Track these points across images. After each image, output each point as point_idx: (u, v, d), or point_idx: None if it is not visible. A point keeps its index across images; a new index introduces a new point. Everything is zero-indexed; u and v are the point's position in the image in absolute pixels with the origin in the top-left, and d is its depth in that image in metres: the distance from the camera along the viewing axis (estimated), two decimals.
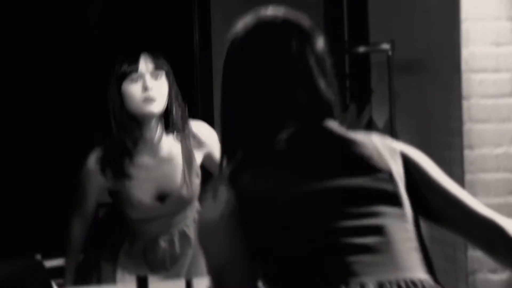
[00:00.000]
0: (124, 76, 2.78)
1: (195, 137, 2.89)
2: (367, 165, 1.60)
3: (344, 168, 1.60)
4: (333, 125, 1.64)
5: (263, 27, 1.68)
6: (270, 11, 1.70)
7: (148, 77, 2.77)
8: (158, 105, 2.79)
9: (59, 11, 4.88)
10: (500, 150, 3.49)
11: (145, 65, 2.79)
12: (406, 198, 1.62)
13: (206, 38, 4.83)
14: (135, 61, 2.78)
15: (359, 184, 1.58)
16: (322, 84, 1.65)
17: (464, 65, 3.44)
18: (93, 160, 2.83)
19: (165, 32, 4.89)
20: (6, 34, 4.79)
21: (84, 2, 4.98)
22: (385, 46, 3.96)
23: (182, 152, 2.87)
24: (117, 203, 2.89)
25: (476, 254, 3.41)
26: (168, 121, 2.85)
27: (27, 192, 4.78)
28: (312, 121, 1.64)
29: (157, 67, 2.80)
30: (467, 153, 3.46)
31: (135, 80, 2.77)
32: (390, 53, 3.92)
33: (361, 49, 4.44)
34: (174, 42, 4.84)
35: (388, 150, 1.65)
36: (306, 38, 1.67)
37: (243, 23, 1.69)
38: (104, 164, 2.81)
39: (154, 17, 4.95)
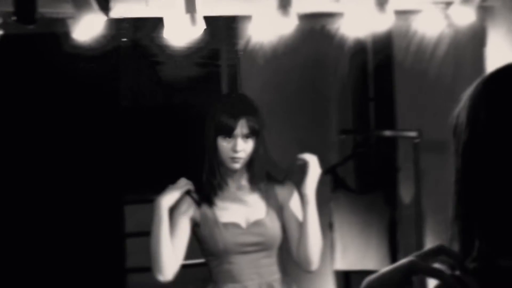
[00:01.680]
0: (220, 133, 3.06)
1: (272, 192, 3.17)
2: None
3: None
4: None
5: None
6: None
7: (239, 141, 3.06)
8: (242, 163, 3.09)
9: None
10: None
11: (240, 129, 3.05)
12: None
13: None
14: (233, 126, 3.05)
15: None
16: None
17: None
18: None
19: None
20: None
21: None
22: (412, 133, 3.98)
23: (264, 200, 3.16)
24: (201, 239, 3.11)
25: None
26: (251, 172, 3.14)
27: None
28: None
29: (250, 132, 3.06)
30: None
31: (228, 139, 3.06)
32: (417, 140, 3.93)
33: (388, 133, 4.42)
34: None
35: None
36: None
37: None
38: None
39: None
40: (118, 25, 3.25)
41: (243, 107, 3.11)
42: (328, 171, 4.57)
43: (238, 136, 3.06)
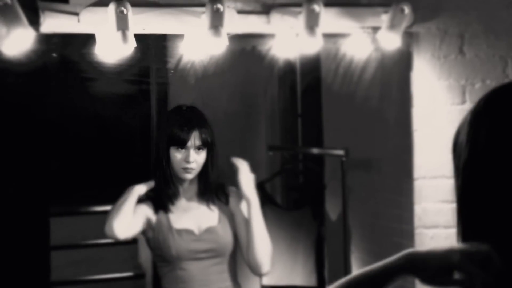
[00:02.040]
0: (173, 143, 3.15)
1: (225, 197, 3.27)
2: None
3: None
4: None
5: None
6: None
7: (192, 152, 3.15)
8: (194, 174, 3.18)
9: None
10: None
11: (193, 140, 3.16)
12: None
13: None
14: (186, 137, 3.14)
15: None
16: None
17: (417, 221, 3.65)
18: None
19: None
20: None
21: None
22: (339, 152, 4.07)
23: (216, 207, 3.25)
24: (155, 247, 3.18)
25: None
26: (202, 182, 3.22)
27: None
28: None
29: (202, 144, 3.16)
30: None
31: (181, 150, 3.16)
32: (344, 159, 4.02)
33: (315, 150, 4.49)
34: None
35: None
36: None
37: None
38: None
39: None
40: (48, 41, 3.22)
41: (195, 119, 3.21)
42: (256, 187, 4.60)
43: (191, 147, 3.15)
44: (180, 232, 3.18)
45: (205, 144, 3.19)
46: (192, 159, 3.16)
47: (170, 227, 3.18)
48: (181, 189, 3.25)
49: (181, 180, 3.23)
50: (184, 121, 3.18)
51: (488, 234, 1.35)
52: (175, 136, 3.15)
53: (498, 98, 1.38)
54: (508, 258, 1.33)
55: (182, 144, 3.15)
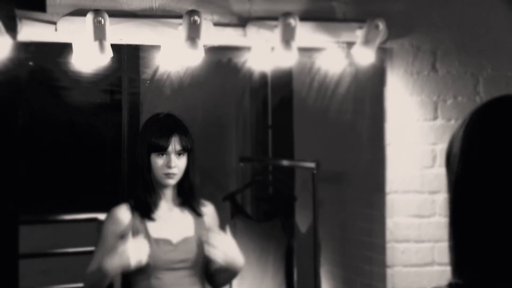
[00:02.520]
0: (154, 150, 3.15)
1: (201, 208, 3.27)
2: None
3: None
4: None
5: None
6: None
7: (173, 157, 3.15)
8: (176, 179, 3.19)
9: None
10: None
11: (173, 145, 3.16)
12: None
13: None
14: (166, 143, 3.15)
15: None
16: None
17: (388, 235, 3.71)
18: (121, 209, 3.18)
19: None
20: None
21: None
22: (310, 164, 4.10)
23: (193, 217, 3.24)
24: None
25: None
26: (182, 188, 3.23)
27: None
28: None
29: (183, 149, 3.17)
30: None
31: (162, 156, 3.16)
32: (315, 171, 4.06)
33: (286, 162, 4.51)
34: None
35: None
36: None
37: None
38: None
39: None
40: (25, 49, 3.21)
41: (174, 125, 3.21)
42: (227, 198, 4.62)
43: (171, 152, 3.15)
44: (158, 241, 3.15)
45: (185, 149, 3.18)
46: (174, 164, 3.15)
47: (148, 236, 3.15)
48: (162, 196, 3.23)
49: (162, 187, 3.21)
50: (163, 127, 3.18)
51: (480, 248, 1.35)
52: (156, 142, 3.15)
53: (491, 111, 1.39)
54: (501, 273, 1.34)
55: (162, 149, 3.15)
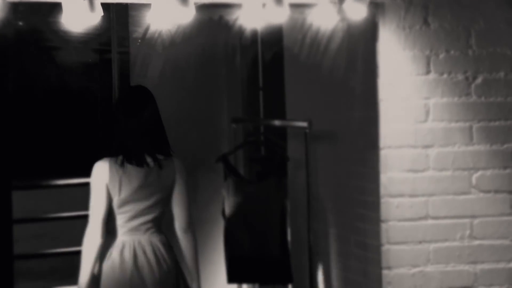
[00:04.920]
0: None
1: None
2: None
3: None
4: None
5: None
6: None
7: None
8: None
9: None
10: (416, 270, 3.76)
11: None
12: None
13: None
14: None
15: None
16: None
17: (382, 190, 3.72)
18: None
19: None
20: None
21: None
22: (303, 124, 4.09)
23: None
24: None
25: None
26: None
27: None
28: None
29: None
30: (385, 272, 3.74)
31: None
32: (307, 130, 4.05)
33: (277, 122, 4.50)
34: None
35: None
36: None
37: None
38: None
39: None
40: (14, 9, 3.17)
41: (143, 95, 3.54)
42: (219, 159, 4.61)
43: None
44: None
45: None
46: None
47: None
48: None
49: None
50: (133, 97, 3.55)
51: None
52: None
53: None
54: None
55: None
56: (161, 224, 3.58)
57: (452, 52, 3.74)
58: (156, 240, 3.56)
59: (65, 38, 3.52)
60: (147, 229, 3.54)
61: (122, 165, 3.53)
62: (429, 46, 3.72)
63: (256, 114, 5.15)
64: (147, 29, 3.71)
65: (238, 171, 4.76)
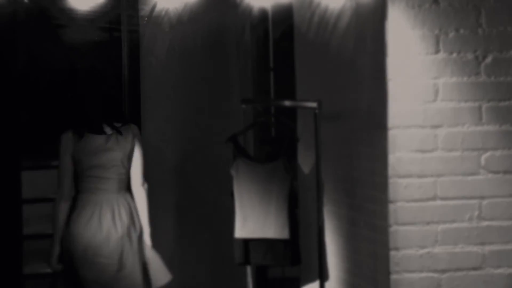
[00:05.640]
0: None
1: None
2: None
3: None
4: None
5: None
6: None
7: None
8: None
9: None
10: (424, 251, 3.75)
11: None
12: None
13: None
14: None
15: None
16: None
17: (390, 171, 3.70)
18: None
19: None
20: None
21: None
22: (312, 104, 4.06)
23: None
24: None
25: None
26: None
27: None
28: None
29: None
30: (393, 253, 3.73)
31: None
32: (317, 111, 4.02)
33: (287, 103, 4.47)
34: None
35: None
36: None
37: None
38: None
39: None
40: None
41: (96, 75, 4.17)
42: (229, 139, 4.60)
43: None
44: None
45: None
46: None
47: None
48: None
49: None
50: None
51: None
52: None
53: None
54: None
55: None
56: (125, 184, 4.12)
57: (461, 31, 3.70)
58: (122, 198, 4.10)
59: (72, 16, 3.51)
60: (113, 189, 4.08)
61: (84, 134, 4.04)
62: (438, 25, 3.69)
63: (266, 94, 5.14)
64: (154, 7, 3.69)
65: (248, 152, 4.75)
